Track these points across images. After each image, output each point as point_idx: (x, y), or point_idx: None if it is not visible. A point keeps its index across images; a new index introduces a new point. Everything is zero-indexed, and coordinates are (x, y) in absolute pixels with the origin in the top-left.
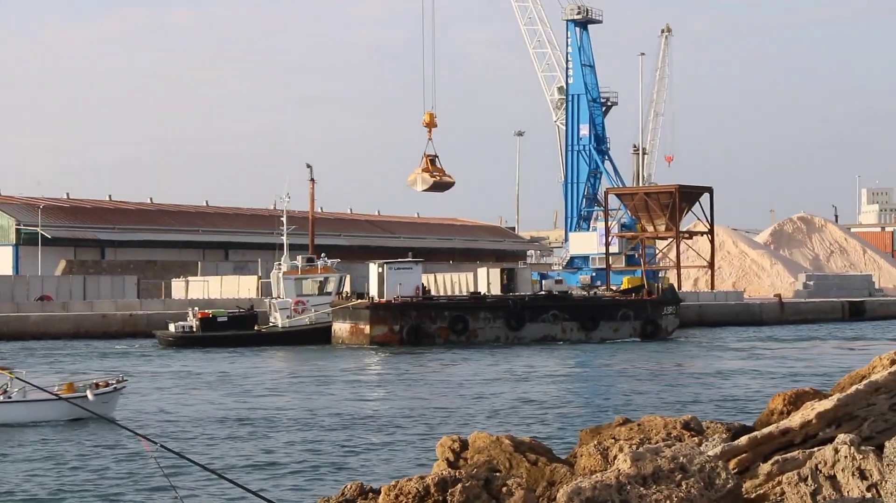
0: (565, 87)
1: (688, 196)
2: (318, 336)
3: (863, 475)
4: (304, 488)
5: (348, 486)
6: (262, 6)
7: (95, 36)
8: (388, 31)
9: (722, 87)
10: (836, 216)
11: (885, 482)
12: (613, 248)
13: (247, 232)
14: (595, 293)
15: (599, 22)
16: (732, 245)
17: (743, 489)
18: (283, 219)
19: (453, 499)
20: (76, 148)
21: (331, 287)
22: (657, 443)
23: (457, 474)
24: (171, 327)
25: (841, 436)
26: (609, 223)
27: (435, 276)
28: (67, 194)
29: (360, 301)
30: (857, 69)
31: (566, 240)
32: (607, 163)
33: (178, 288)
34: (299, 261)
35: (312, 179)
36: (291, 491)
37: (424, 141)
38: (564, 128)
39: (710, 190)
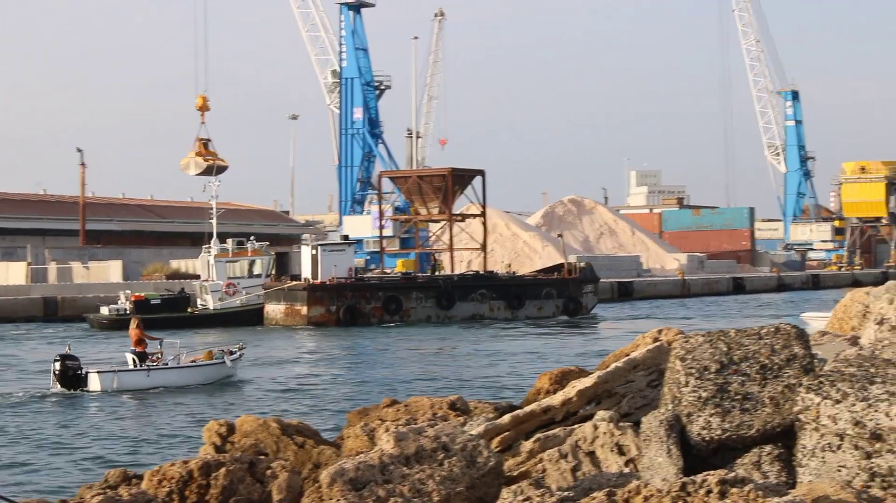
0: (339, 70)
1: (460, 179)
2: (249, 317)
3: (621, 450)
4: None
5: (111, 473)
6: None
7: None
8: (160, 12)
9: (495, 72)
10: (606, 198)
11: (642, 456)
12: (388, 231)
13: (15, 217)
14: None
15: (373, 6)
16: (505, 227)
17: (505, 467)
18: (213, 203)
19: (217, 482)
20: None
21: (258, 269)
22: (423, 423)
23: (221, 458)
24: (104, 310)
25: (600, 413)
26: (383, 206)
27: None
28: None
29: (295, 283)
30: (626, 54)
31: (340, 223)
32: (381, 146)
33: None
34: (229, 244)
35: (83, 163)
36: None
37: (198, 124)
38: (338, 111)
39: (482, 173)
